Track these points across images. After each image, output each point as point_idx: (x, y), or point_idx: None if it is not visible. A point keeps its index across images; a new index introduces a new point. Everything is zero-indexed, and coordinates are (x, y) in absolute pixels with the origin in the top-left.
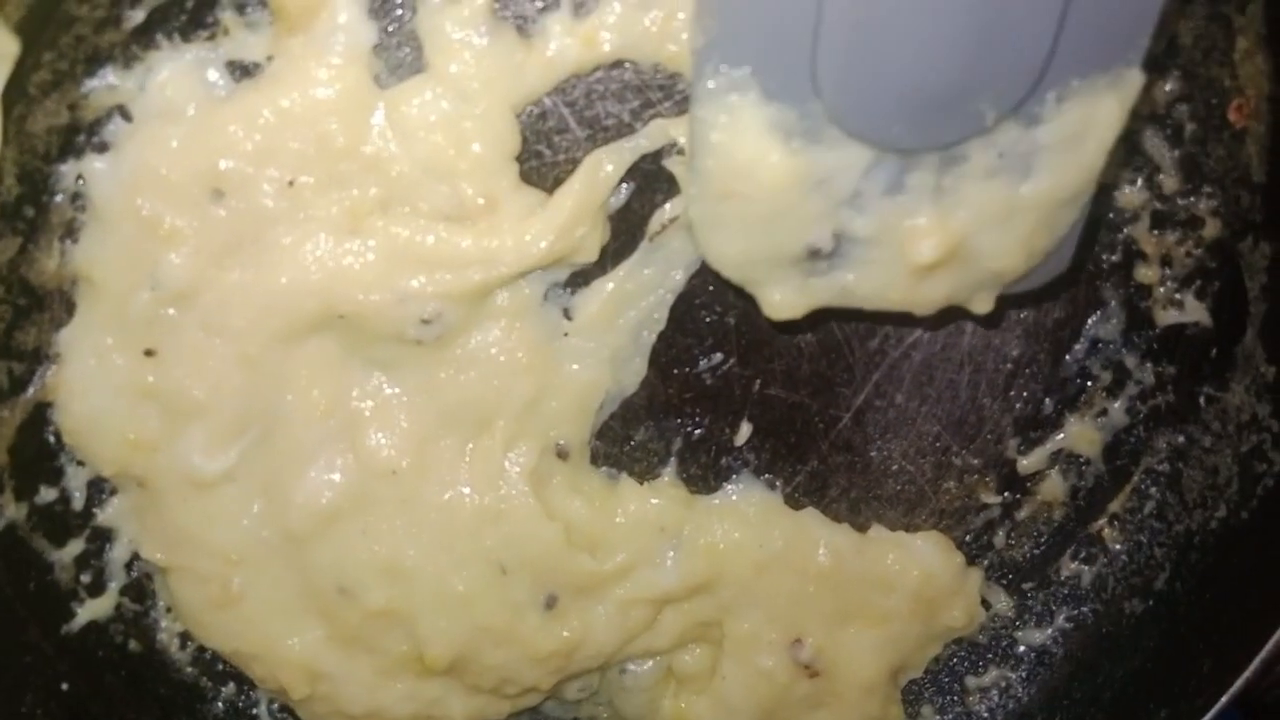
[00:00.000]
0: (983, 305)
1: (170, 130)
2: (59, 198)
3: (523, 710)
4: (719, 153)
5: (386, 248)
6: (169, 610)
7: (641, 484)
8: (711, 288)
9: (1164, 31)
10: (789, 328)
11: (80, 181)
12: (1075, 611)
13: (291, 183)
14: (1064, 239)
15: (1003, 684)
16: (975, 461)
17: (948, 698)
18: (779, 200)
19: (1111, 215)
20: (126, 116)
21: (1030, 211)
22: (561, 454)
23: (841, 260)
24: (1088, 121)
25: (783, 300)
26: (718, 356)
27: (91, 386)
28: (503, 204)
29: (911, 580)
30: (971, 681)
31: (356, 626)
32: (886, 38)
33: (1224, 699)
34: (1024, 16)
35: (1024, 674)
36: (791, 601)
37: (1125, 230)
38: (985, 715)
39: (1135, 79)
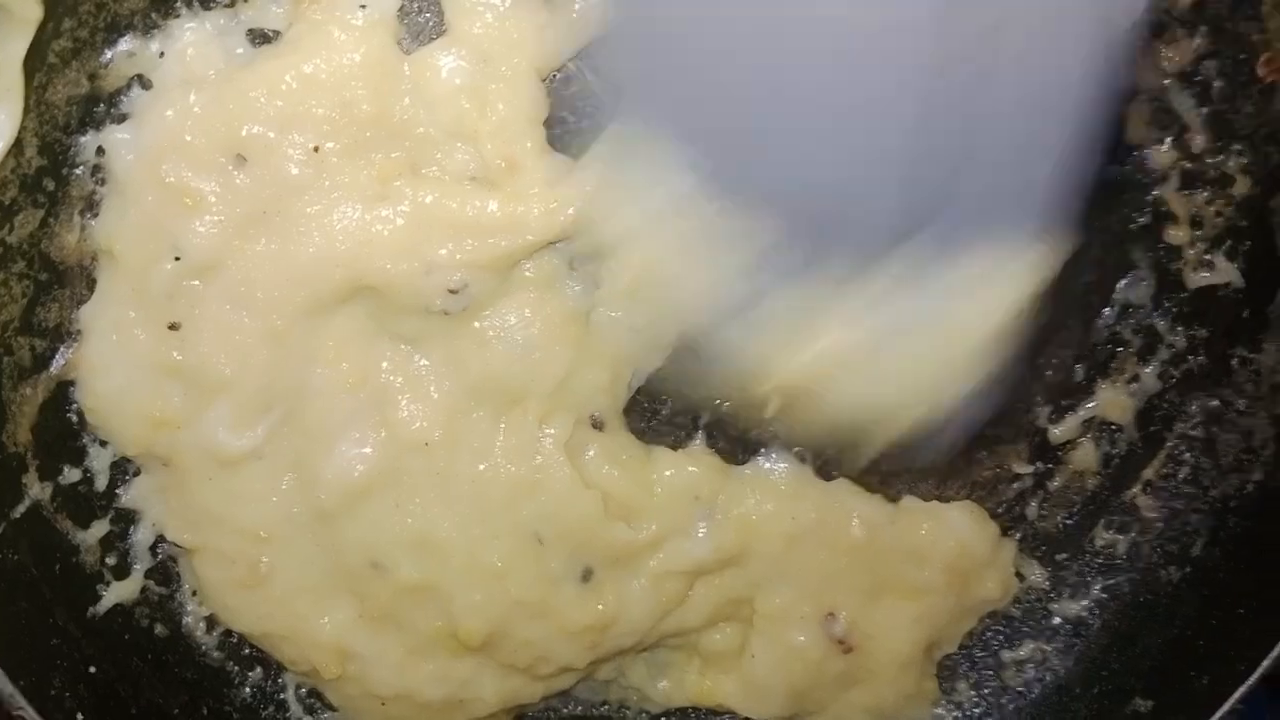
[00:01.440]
0: None
1: (192, 96)
2: (79, 170)
3: (554, 694)
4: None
5: (414, 214)
6: (194, 594)
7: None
8: None
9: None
10: None
11: (101, 154)
12: (1111, 581)
13: (317, 149)
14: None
15: (1039, 657)
16: (1006, 431)
17: (983, 672)
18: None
19: (1140, 176)
20: (146, 85)
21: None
22: (596, 424)
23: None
24: (994, 268)
25: None
26: None
27: (114, 363)
28: (529, 169)
29: (946, 552)
30: (1007, 655)
31: (388, 603)
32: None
33: (1265, 663)
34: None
35: (1060, 646)
36: (824, 575)
37: (1154, 191)
38: (1022, 689)
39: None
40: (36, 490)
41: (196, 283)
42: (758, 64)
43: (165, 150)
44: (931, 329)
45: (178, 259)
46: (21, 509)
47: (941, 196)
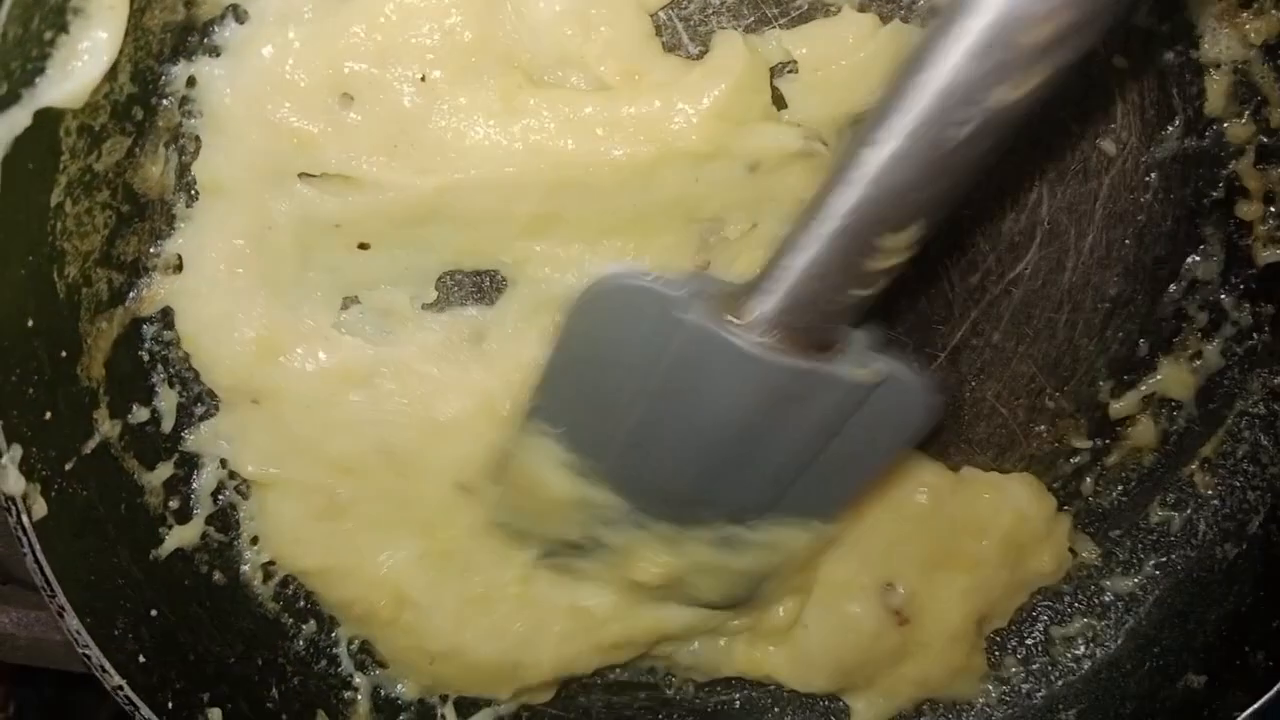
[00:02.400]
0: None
1: (290, 33)
2: (168, 101)
3: (608, 667)
4: (522, 467)
5: (557, 117)
6: (253, 542)
7: None
8: None
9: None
10: None
11: (191, 86)
12: (1164, 558)
13: (424, 78)
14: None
15: (1089, 633)
16: (1067, 405)
17: (1032, 648)
18: (554, 508)
19: (1216, 150)
20: (241, 18)
21: (731, 574)
22: None
23: (587, 555)
24: (784, 539)
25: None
26: None
27: (218, 292)
28: (650, 72)
29: (1004, 523)
30: (1056, 631)
31: (468, 529)
32: (653, 466)
33: None
34: (751, 482)
35: (1111, 622)
36: (887, 544)
37: (1230, 165)
38: (1071, 665)
39: (824, 529)
40: (106, 427)
41: (322, 215)
42: (649, 420)
43: (266, 89)
44: (748, 556)
45: (298, 192)
46: (91, 445)
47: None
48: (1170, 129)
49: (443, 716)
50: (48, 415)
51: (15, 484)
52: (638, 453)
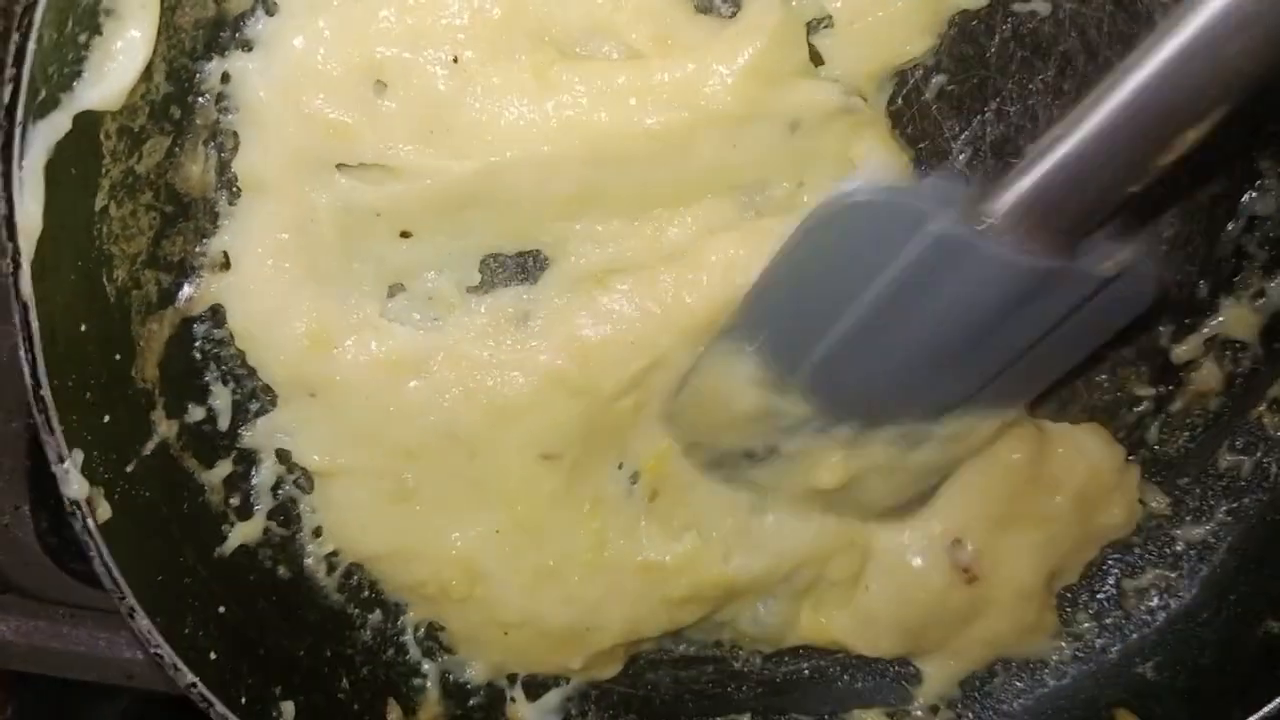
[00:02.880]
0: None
1: (320, 21)
2: (204, 99)
3: (674, 630)
4: (709, 378)
5: (590, 90)
6: (315, 534)
7: None
8: None
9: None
10: None
11: (226, 82)
12: (1236, 504)
13: (456, 59)
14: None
15: (1162, 584)
16: (1127, 352)
17: (1104, 603)
18: (737, 421)
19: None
20: (271, 10)
21: (908, 472)
22: None
23: (760, 463)
24: (968, 431)
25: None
26: None
27: (268, 286)
28: (683, 36)
29: (1077, 477)
30: (1129, 584)
31: (550, 498)
32: (868, 365)
33: None
34: (958, 380)
35: (1184, 572)
36: (955, 498)
37: None
38: (1146, 617)
39: (1008, 415)
40: (164, 428)
41: (363, 205)
42: (867, 327)
43: (300, 80)
44: (929, 451)
45: (338, 183)
46: (151, 446)
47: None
48: None
49: (512, 699)
50: (106, 418)
51: (79, 488)
52: (844, 361)
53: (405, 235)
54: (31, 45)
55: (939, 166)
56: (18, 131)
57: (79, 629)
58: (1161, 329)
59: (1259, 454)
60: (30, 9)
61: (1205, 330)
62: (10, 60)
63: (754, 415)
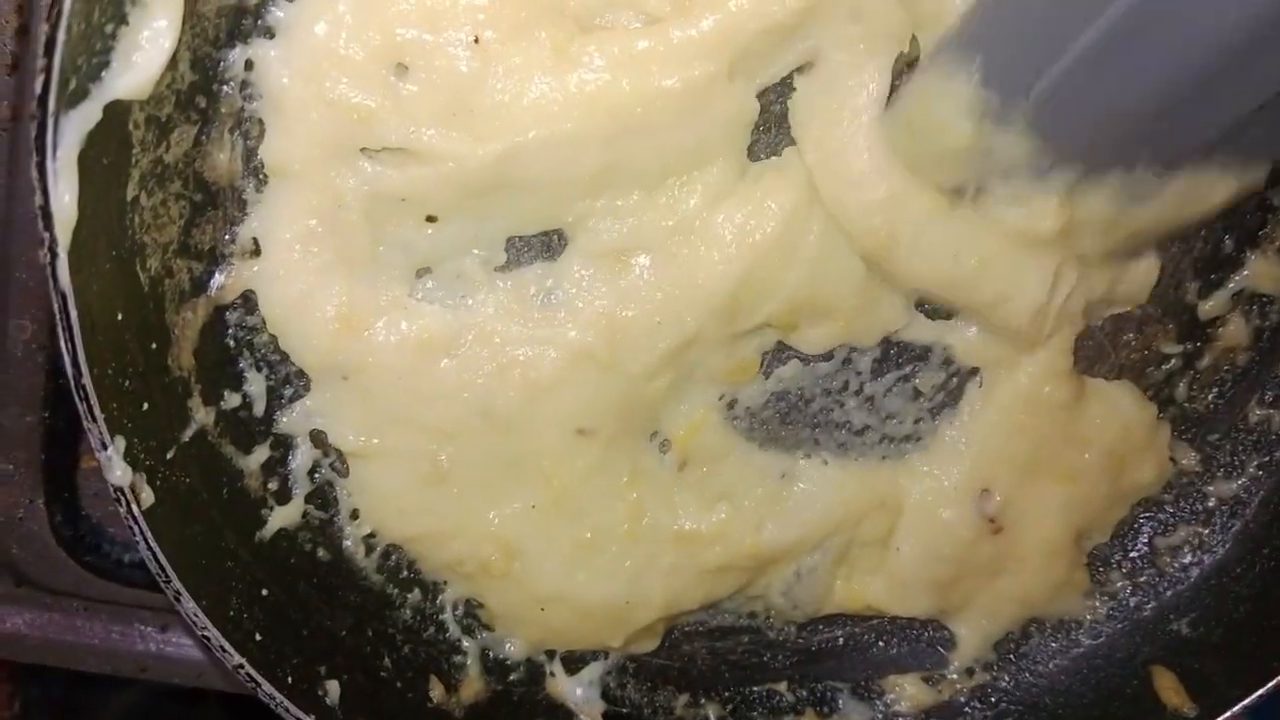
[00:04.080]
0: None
1: (341, 6)
2: (228, 87)
3: (711, 603)
4: (919, 105)
5: (610, 60)
6: (353, 516)
7: None
8: None
9: None
10: None
11: (250, 69)
12: (1267, 458)
13: (477, 40)
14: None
15: (1195, 540)
16: (1154, 310)
17: (1137, 561)
18: (951, 154)
19: None
20: None
21: (1124, 231)
22: None
23: (972, 205)
24: (1198, 191)
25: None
26: None
27: (298, 271)
28: None
29: (1109, 434)
30: (1161, 542)
31: (585, 472)
32: (1109, 89)
33: None
34: (1200, 121)
35: (1217, 527)
36: (986, 444)
37: None
38: (1179, 574)
39: (1253, 179)
40: (201, 415)
41: (389, 190)
42: (1119, 35)
43: (323, 66)
44: (1154, 209)
45: (363, 169)
46: (189, 433)
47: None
48: None
49: (551, 674)
50: (145, 406)
51: (122, 475)
52: (1076, 88)
53: (431, 220)
54: (61, 36)
55: None
56: (50, 122)
57: (93, 622)
58: (1188, 285)
59: None
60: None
61: (1231, 285)
62: (41, 51)
63: (967, 151)
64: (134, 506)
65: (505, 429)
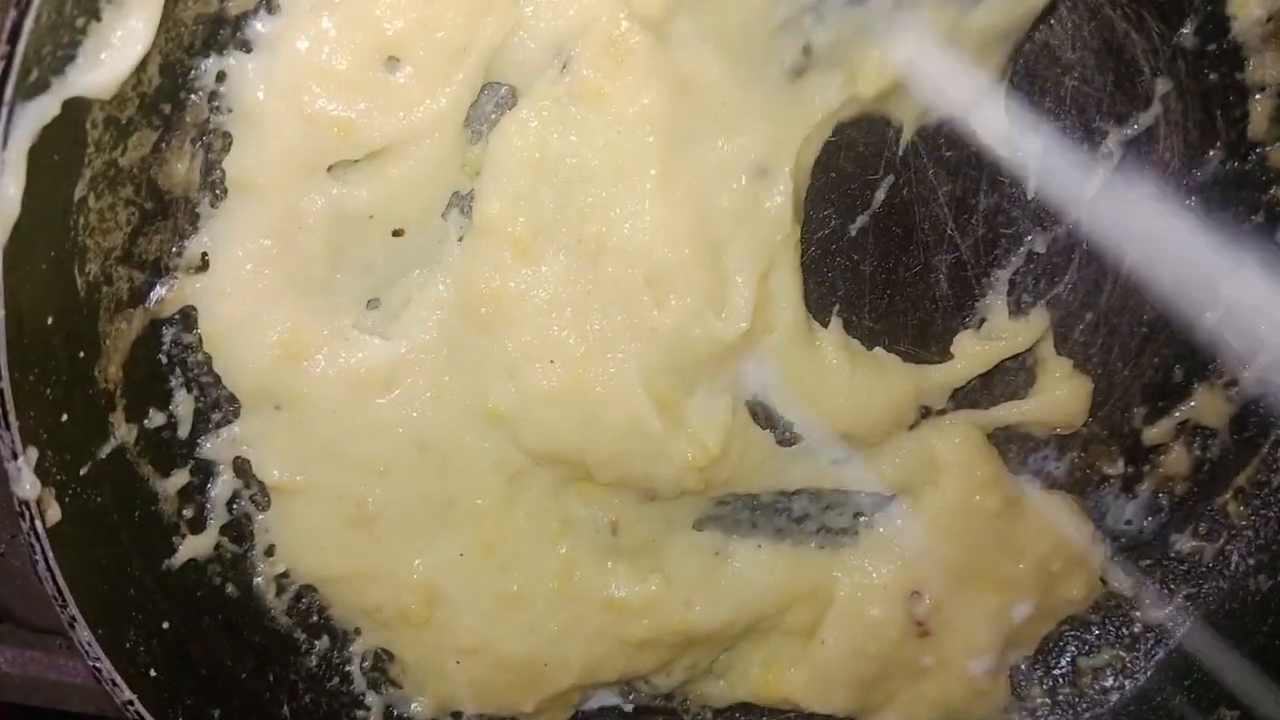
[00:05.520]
0: None
1: (325, 21)
2: (196, 96)
3: (631, 676)
4: None
5: None
6: (268, 553)
7: None
8: None
9: None
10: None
11: (221, 81)
12: (1195, 589)
13: None
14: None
15: (1118, 665)
16: (1099, 429)
17: (1059, 679)
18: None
19: (1259, 174)
20: (273, 9)
21: (966, 38)
22: None
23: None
24: None
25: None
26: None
27: (245, 292)
28: None
29: (1044, 546)
30: (1084, 662)
31: (519, 516)
32: None
33: None
34: None
35: (1141, 654)
36: (921, 547)
37: (1271, 190)
38: (1099, 697)
39: None
40: (122, 431)
41: (356, 209)
42: None
43: (303, 82)
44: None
45: (330, 191)
46: (107, 449)
47: None
48: (1212, 152)
49: None
50: (64, 417)
51: (30, 488)
52: None
53: (398, 234)
54: (28, 24)
55: None
56: (4, 111)
57: (76, 660)
58: (1135, 410)
59: (1221, 541)
60: None
61: (1177, 414)
62: (5, 38)
63: None
64: (37, 523)
65: (441, 463)
